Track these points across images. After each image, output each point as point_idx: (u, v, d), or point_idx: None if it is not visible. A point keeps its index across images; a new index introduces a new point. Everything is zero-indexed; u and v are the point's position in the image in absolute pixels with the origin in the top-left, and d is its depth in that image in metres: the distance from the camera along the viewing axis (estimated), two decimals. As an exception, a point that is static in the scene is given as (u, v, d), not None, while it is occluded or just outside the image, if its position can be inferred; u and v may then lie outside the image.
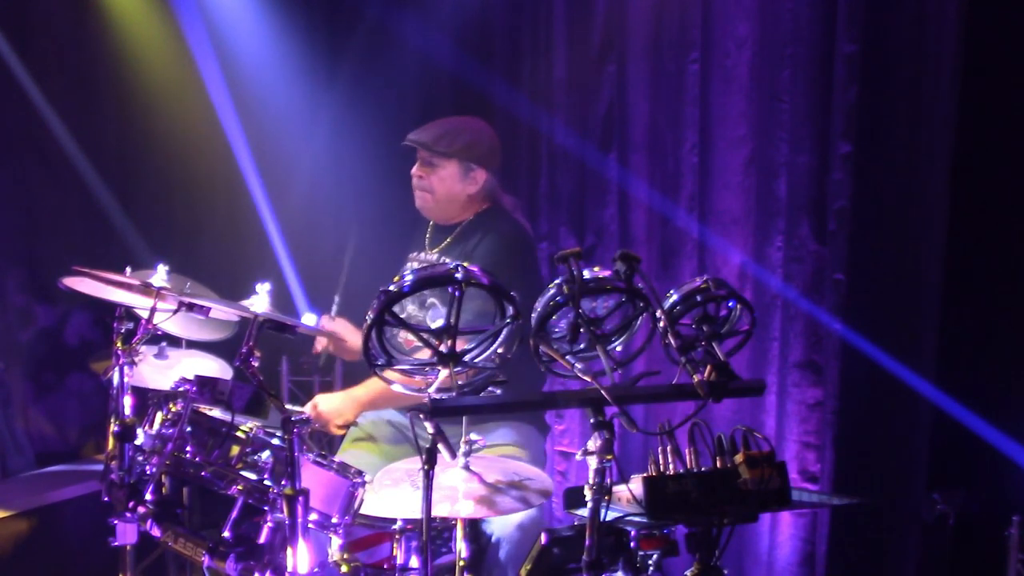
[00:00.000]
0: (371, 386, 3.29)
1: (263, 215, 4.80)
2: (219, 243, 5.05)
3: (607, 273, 2.05)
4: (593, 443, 1.95)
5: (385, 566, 2.79)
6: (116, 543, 2.84)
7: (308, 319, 2.89)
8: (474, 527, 2.61)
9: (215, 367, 3.57)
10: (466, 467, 2.48)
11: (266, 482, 2.65)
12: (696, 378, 2.00)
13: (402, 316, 2.15)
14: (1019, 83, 3.16)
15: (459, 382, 2.01)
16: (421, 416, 1.98)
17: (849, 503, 2.98)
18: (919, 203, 3.29)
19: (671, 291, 2.18)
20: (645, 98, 3.99)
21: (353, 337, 3.49)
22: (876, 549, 3.36)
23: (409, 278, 2.04)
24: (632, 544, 2.26)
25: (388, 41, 4.83)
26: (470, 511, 2.41)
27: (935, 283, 3.26)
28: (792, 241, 3.50)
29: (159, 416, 2.86)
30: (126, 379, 2.87)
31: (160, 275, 2.92)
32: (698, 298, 2.16)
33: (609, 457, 1.94)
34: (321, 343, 3.63)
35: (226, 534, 2.62)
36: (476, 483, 2.46)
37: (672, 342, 2.02)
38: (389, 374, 2.09)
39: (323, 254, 4.79)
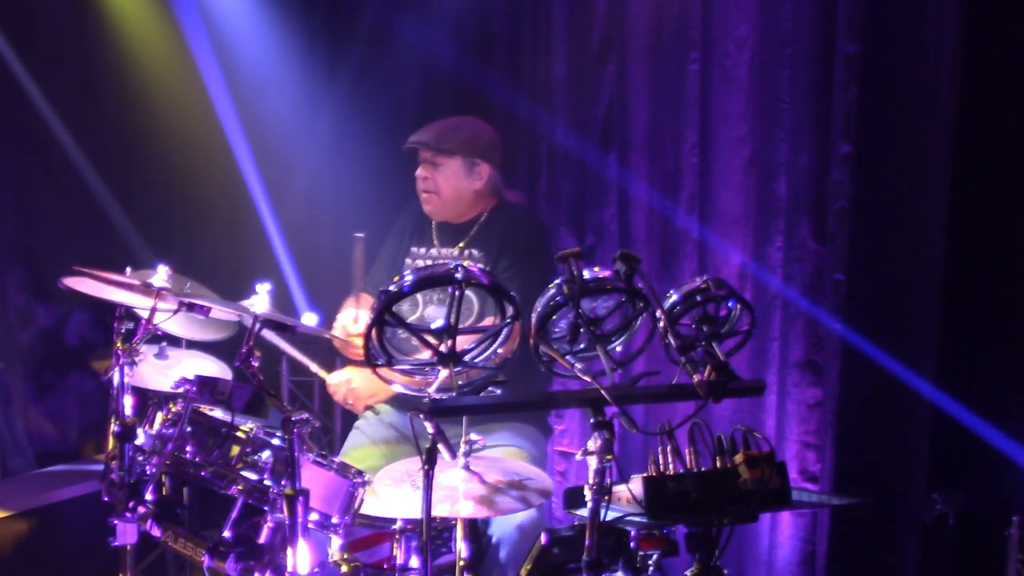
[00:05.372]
0: None
1: (263, 215, 4.80)
2: (219, 243, 5.05)
3: (607, 273, 2.05)
4: (593, 443, 1.95)
5: (385, 566, 2.79)
6: (116, 543, 2.85)
7: (308, 319, 2.89)
8: (474, 527, 2.60)
9: (215, 367, 3.57)
10: (466, 467, 2.48)
11: (266, 482, 2.65)
12: (696, 378, 2.00)
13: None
14: (1020, 83, 3.16)
15: (459, 382, 2.01)
16: (421, 416, 1.98)
17: (849, 503, 2.97)
18: (919, 203, 3.29)
19: (671, 291, 2.18)
20: (645, 98, 3.99)
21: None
22: (876, 549, 3.36)
23: (409, 278, 2.04)
24: (632, 544, 2.26)
25: (388, 41, 4.83)
26: (470, 511, 2.41)
27: (935, 283, 3.26)
28: (792, 241, 3.50)
29: (159, 416, 2.86)
30: (126, 379, 2.87)
31: (160, 275, 2.92)
32: (698, 298, 2.16)
33: (609, 457, 1.94)
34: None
35: (226, 534, 2.63)
36: (476, 483, 2.46)
37: (672, 342, 2.02)
38: (389, 373, 2.10)
39: (323, 254, 4.79)
